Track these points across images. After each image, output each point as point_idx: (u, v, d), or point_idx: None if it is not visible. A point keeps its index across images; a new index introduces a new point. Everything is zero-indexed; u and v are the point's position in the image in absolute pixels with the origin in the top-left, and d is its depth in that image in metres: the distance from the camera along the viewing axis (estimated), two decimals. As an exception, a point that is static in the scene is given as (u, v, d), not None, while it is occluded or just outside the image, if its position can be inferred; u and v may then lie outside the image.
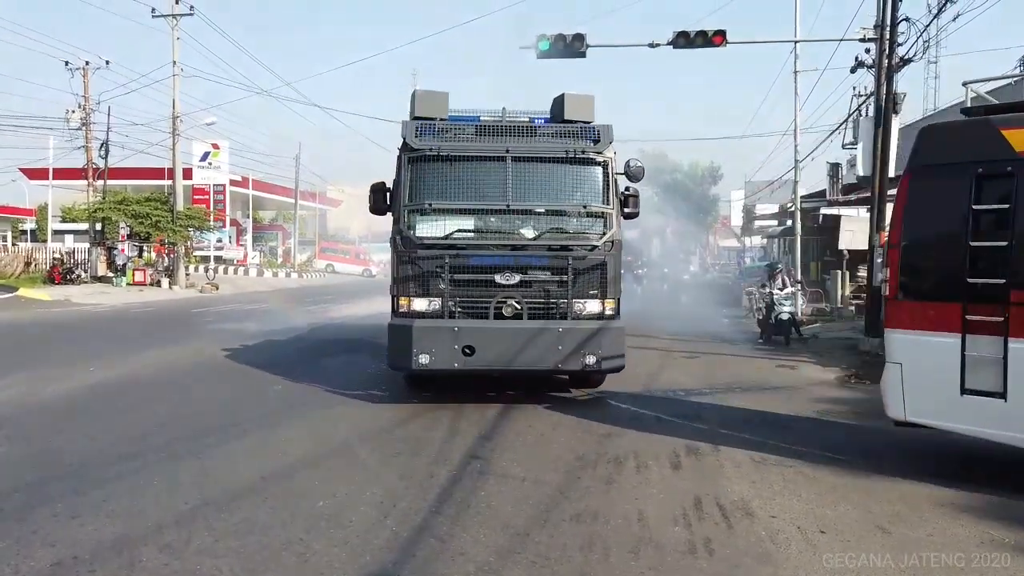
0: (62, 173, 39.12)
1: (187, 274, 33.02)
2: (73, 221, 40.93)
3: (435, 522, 4.77)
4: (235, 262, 43.87)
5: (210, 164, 39.27)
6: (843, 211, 21.07)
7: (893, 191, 16.92)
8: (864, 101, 20.71)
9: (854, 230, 18.97)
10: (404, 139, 8.40)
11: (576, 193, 8.50)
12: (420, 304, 8.15)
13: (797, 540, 4.50)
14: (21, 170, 44.04)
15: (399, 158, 8.48)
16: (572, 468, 6.00)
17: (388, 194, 8.67)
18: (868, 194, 15.32)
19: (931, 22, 13.88)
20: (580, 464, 6.11)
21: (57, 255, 32.51)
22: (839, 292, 20.97)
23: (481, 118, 8.93)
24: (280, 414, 7.99)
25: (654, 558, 4.24)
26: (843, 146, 24.14)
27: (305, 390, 9.32)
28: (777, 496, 5.30)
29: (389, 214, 8.81)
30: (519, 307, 8.11)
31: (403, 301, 8.23)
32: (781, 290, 15.65)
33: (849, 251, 20.05)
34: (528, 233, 8.30)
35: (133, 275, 31.00)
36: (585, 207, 8.33)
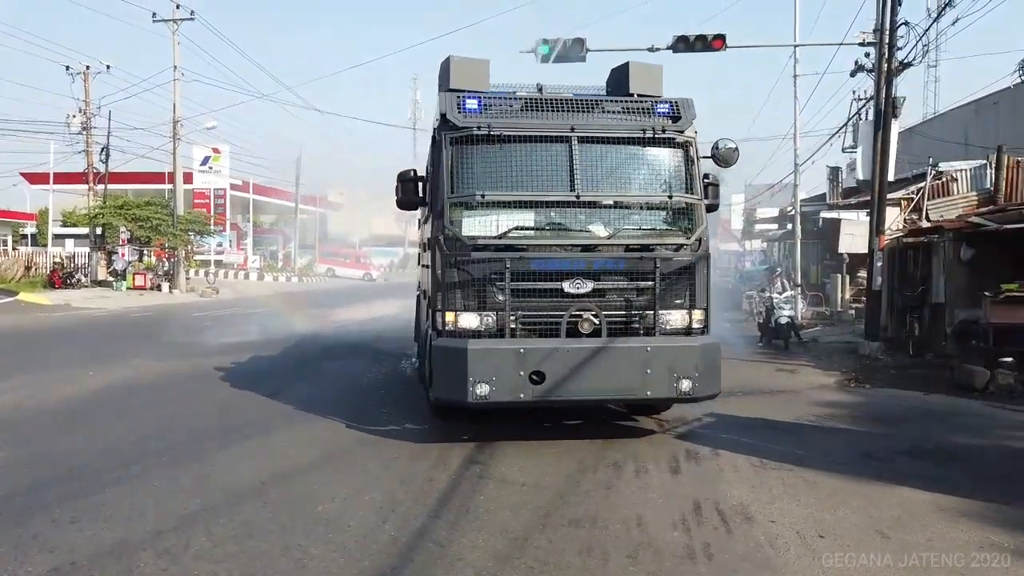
0: (63, 177, 39.14)
1: (187, 278, 33.03)
2: (74, 225, 40.91)
3: (434, 527, 4.77)
4: (235, 266, 43.87)
5: (211, 168, 39.36)
6: (843, 215, 21.07)
7: (893, 194, 16.98)
8: (864, 105, 20.76)
9: (854, 234, 18.97)
10: (443, 115, 6.87)
11: (655, 181, 7.00)
12: (471, 320, 6.57)
13: (796, 545, 4.50)
14: (22, 174, 44.10)
15: (436, 139, 7.06)
16: (571, 473, 5.99)
17: (421, 184, 7.31)
18: (868, 198, 15.32)
19: (930, 26, 13.97)
20: (580, 468, 6.11)
21: (57, 259, 32.55)
22: (839, 296, 20.97)
23: (517, 94, 7.39)
24: (278, 420, 7.98)
25: (652, 563, 4.23)
26: (843, 150, 24.19)
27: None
28: (776, 501, 5.30)
29: (421, 209, 7.81)
30: (597, 322, 6.60)
31: (449, 316, 6.61)
32: (780, 294, 15.64)
33: (849, 255, 20.06)
34: (600, 230, 6.79)
35: (133, 279, 31.02)
36: (671, 197, 6.78)
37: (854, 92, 22.33)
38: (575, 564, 4.23)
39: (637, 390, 6.62)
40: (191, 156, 37.54)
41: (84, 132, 32.65)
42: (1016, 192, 15.90)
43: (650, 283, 6.70)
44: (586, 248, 6.74)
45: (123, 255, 31.97)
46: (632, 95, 7.32)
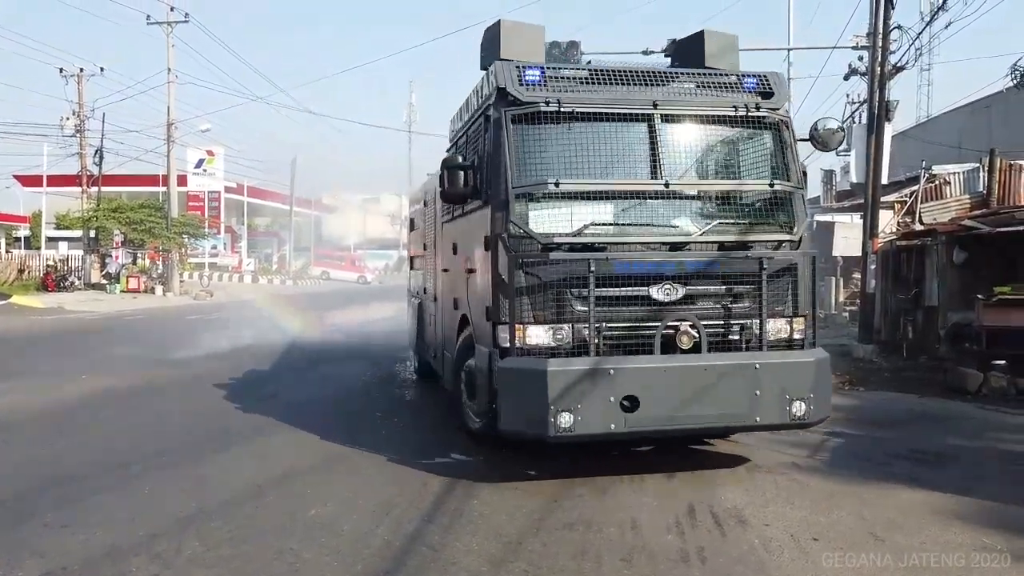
0: (56, 180, 39.07)
1: (181, 281, 32.97)
2: (67, 228, 40.83)
3: (427, 531, 4.76)
4: (230, 269, 43.82)
5: (205, 171, 39.26)
6: (837, 217, 21.15)
7: (886, 197, 17.05)
8: (857, 108, 20.86)
9: (848, 236, 19.04)
10: (501, 89, 5.82)
11: (749, 166, 6.12)
12: (544, 335, 5.51)
13: (790, 548, 4.50)
14: (15, 177, 44.01)
15: (491, 118, 5.95)
16: (566, 476, 5.98)
17: (471, 172, 6.16)
18: (862, 200, 15.37)
19: (923, 30, 14.00)
20: (574, 472, 6.09)
21: (51, 262, 32.47)
22: (833, 298, 21.02)
23: (580, 64, 6.45)
24: (273, 424, 7.96)
25: (647, 566, 4.23)
26: (837, 153, 24.28)
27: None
28: (770, 504, 5.30)
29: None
30: (697, 335, 5.62)
31: (518, 331, 5.51)
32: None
33: (843, 257, 20.13)
34: (689, 225, 5.81)
35: (127, 282, 30.98)
36: (772, 186, 5.86)
37: (848, 95, 22.47)
38: (569, 568, 4.22)
39: (744, 417, 5.58)
40: (185, 159, 37.45)
41: (78, 134, 32.60)
42: (1008, 195, 15.97)
43: (749, 287, 5.76)
44: (674, 247, 5.71)
45: (117, 258, 31.92)
46: (707, 69, 6.40)
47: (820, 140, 6.29)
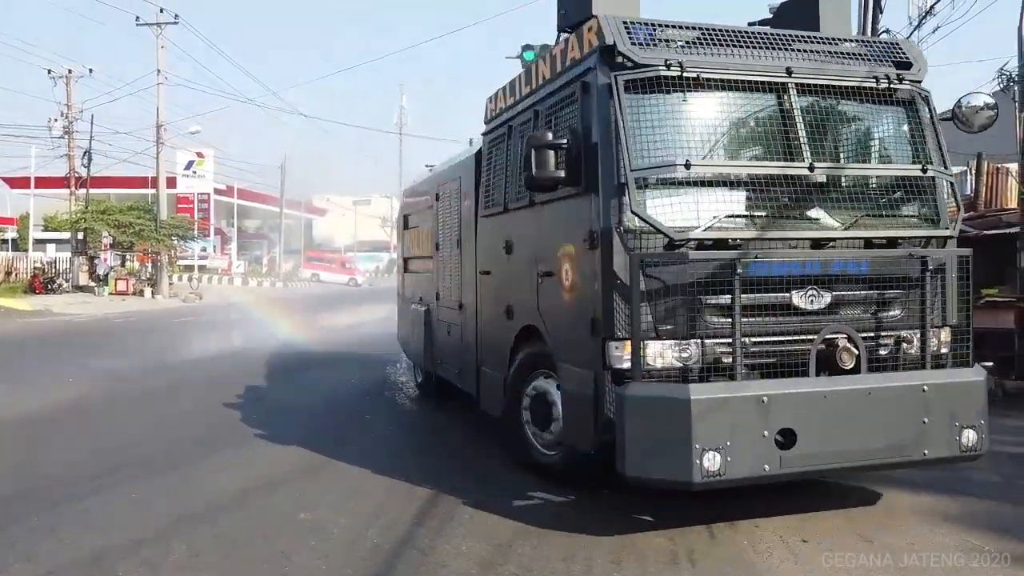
0: (44, 182, 38.84)
1: (170, 283, 32.84)
2: (55, 230, 40.61)
3: (417, 534, 4.75)
4: (220, 271, 43.68)
5: (194, 173, 39.16)
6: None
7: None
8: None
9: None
10: (609, 47, 4.74)
11: (894, 148, 5.24)
12: (668, 354, 4.52)
13: (780, 549, 4.51)
14: (2, 178, 43.71)
15: (595, 85, 4.86)
16: (558, 478, 5.97)
17: (562, 152, 4.97)
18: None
19: (911, 34, 14.07)
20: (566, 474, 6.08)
21: (38, 264, 32.26)
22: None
23: (685, 23, 5.14)
24: (261, 427, 7.93)
25: (636, 568, 4.23)
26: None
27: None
28: (758, 505, 5.30)
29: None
30: (856, 351, 4.66)
31: (646, 347, 4.48)
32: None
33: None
34: (829, 218, 4.91)
35: (115, 284, 30.82)
36: (925, 171, 4.94)
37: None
38: (559, 570, 4.22)
39: (911, 449, 4.64)
40: (175, 160, 37.37)
41: (66, 136, 32.41)
42: (996, 198, 16.08)
43: (903, 291, 4.89)
44: (815, 244, 4.78)
45: (105, 260, 31.77)
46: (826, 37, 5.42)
47: (964, 120, 5.24)
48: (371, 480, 5.98)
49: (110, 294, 30.12)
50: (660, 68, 4.63)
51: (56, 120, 32.14)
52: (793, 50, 5.07)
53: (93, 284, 31.09)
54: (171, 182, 36.47)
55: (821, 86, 4.97)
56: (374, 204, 65.63)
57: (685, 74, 4.65)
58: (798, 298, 4.65)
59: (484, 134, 6.97)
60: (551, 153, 4.97)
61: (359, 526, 4.86)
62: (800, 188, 4.72)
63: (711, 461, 4.23)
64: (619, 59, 4.72)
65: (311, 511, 5.15)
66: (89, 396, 9.51)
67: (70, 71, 32.42)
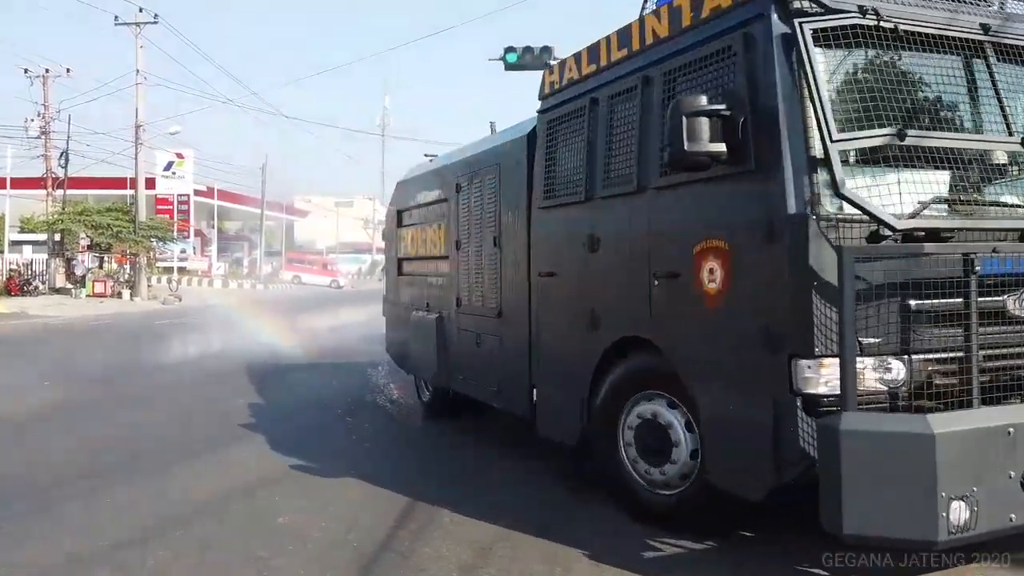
0: (20, 183, 38.27)
1: (149, 285, 32.53)
2: (32, 231, 40.11)
3: (397, 537, 4.73)
4: (199, 273, 43.31)
5: (174, 174, 38.83)
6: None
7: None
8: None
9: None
10: None
11: None
12: (871, 374, 3.69)
13: (772, 550, 4.54)
14: (-23, 179, 43.04)
15: (761, 38, 3.93)
16: (542, 481, 5.97)
17: (716, 119, 3.95)
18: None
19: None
20: (552, 476, 6.09)
21: (14, 266, 31.82)
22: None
23: None
24: (248, 431, 7.87)
25: (617, 571, 4.24)
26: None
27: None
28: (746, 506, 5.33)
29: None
30: None
31: (827, 366, 3.65)
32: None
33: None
34: None
35: (93, 286, 30.48)
36: None
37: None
38: (539, 572, 4.23)
39: None
40: (154, 161, 37.04)
41: (43, 136, 32.04)
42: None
43: None
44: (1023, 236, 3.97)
45: (83, 261, 31.42)
46: None
47: None
48: (351, 484, 5.95)
49: (88, 296, 29.79)
50: (854, 15, 3.80)
51: (33, 120, 31.81)
52: (980, 4, 4.33)
53: (70, 286, 30.74)
54: (150, 183, 36.17)
55: (1021, 47, 4.22)
56: (356, 206, 65.42)
57: (882, 24, 3.83)
58: (1013, 303, 3.86)
59: (542, 111, 5.88)
60: (707, 122, 3.96)
61: (339, 530, 4.84)
62: (1005, 167, 4.10)
63: (959, 513, 3.36)
64: (798, 3, 3.85)
65: (290, 515, 5.12)
66: (65, 399, 9.40)
67: (47, 70, 32.10)
